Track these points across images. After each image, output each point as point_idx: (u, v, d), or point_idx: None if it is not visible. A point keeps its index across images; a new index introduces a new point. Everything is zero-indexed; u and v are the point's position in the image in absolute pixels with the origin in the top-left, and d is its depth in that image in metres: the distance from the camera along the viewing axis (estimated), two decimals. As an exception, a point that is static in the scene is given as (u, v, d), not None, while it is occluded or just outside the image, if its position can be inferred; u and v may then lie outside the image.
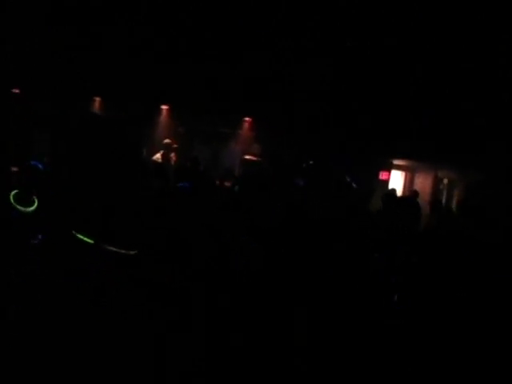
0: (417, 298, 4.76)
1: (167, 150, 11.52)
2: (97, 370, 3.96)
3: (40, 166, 5.47)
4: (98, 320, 4.29)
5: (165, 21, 11.81)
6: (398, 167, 14.89)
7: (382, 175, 14.19)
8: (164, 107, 13.72)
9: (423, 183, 14.05)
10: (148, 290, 4.56)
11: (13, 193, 5.20)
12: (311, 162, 7.35)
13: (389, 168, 14.37)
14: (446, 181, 14.33)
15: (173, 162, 11.49)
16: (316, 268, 4.71)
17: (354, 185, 7.61)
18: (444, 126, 11.87)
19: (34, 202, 5.27)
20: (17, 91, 12.74)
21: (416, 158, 13.70)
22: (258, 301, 4.54)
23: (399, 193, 12.88)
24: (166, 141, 11.75)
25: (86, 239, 5.09)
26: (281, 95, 12.32)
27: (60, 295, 4.47)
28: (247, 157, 12.77)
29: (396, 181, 14.63)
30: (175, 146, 11.81)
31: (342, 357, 4.31)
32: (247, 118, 13.64)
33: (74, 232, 5.02)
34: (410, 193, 11.26)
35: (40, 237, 5.26)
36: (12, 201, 5.11)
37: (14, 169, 6.21)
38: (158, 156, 11.41)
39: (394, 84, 11.97)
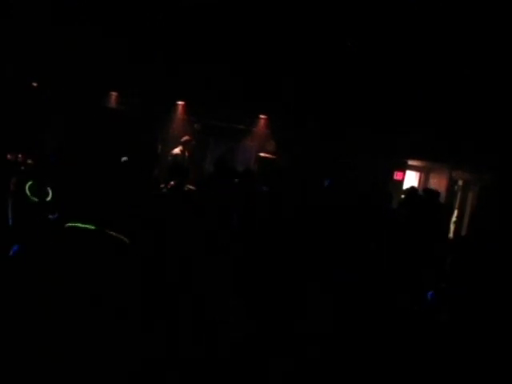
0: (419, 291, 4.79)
1: (185, 146, 11.71)
2: (96, 370, 3.99)
3: (51, 157, 5.54)
4: (97, 319, 4.33)
5: (181, 17, 11.85)
6: (413, 168, 14.84)
7: (397, 175, 14.14)
8: (180, 103, 13.77)
9: (437, 184, 13.98)
10: (149, 289, 4.61)
11: (28, 184, 5.25)
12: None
13: (403, 168, 14.32)
14: (460, 182, 14.26)
15: (186, 158, 11.64)
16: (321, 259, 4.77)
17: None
18: (460, 127, 11.81)
19: (48, 193, 5.32)
20: (35, 84, 12.85)
21: (431, 158, 13.65)
22: (264, 293, 4.60)
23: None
24: (186, 138, 11.92)
25: (86, 226, 5.10)
26: (295, 93, 12.33)
27: (60, 294, 4.52)
28: (262, 154, 12.82)
29: (410, 181, 14.56)
30: (193, 143, 12.00)
31: (342, 353, 4.34)
32: (263, 116, 13.66)
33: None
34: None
35: (56, 215, 5.32)
36: (28, 192, 5.17)
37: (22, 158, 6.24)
38: (177, 151, 11.57)
39: (412, 83, 11.93)
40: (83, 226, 5.24)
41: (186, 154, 11.74)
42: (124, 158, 9.81)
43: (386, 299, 4.75)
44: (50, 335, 4.18)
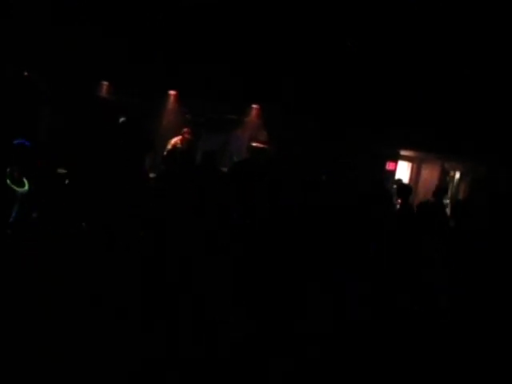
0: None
1: (184, 136, 11.75)
2: (96, 370, 3.98)
3: (27, 143, 5.52)
4: (97, 319, 4.32)
5: (173, 9, 11.76)
6: (405, 158, 14.83)
7: (389, 165, 14.14)
8: (172, 92, 13.68)
9: (430, 175, 14.01)
10: (149, 289, 4.61)
11: (8, 173, 5.23)
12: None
13: (396, 158, 14.32)
14: (452, 173, 14.29)
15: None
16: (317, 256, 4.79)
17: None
18: (453, 118, 11.82)
19: (24, 182, 5.33)
20: (26, 73, 12.72)
21: (423, 148, 13.64)
22: (264, 293, 4.62)
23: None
24: (186, 129, 11.96)
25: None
26: (287, 83, 12.29)
27: (59, 293, 4.51)
28: (254, 144, 12.80)
29: (402, 171, 14.58)
30: (190, 137, 12.01)
31: (342, 353, 4.36)
32: (255, 105, 13.60)
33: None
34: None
35: (35, 215, 5.33)
36: (8, 180, 5.16)
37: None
38: (176, 141, 11.60)
39: (404, 74, 11.90)
40: None
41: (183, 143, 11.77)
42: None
43: (386, 299, 4.77)
44: (50, 335, 4.18)
